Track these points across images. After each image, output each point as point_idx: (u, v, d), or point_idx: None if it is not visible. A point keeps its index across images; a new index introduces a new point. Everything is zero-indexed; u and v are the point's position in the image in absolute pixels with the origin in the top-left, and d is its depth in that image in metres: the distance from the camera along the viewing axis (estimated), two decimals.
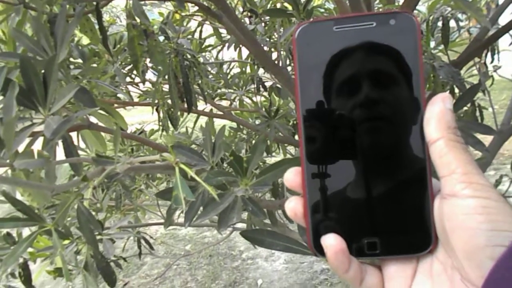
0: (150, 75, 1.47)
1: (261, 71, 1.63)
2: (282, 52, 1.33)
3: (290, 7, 0.99)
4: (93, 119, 0.91)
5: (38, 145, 0.67)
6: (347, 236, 0.29)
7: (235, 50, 1.63)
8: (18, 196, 0.80)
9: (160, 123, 1.40)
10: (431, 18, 1.20)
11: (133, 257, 2.04)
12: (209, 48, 1.67)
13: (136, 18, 0.87)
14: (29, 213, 0.64)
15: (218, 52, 1.69)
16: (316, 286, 2.33)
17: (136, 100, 1.60)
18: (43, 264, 1.04)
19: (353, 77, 0.29)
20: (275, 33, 1.46)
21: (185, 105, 1.19)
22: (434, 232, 0.28)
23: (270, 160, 1.66)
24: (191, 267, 2.69)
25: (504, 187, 1.47)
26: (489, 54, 1.48)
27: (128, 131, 1.30)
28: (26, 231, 0.77)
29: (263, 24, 1.45)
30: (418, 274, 0.29)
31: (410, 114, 0.29)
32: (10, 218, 0.66)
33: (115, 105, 1.37)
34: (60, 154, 0.76)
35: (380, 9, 1.32)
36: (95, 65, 1.10)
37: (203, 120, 1.55)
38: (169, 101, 1.25)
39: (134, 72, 1.36)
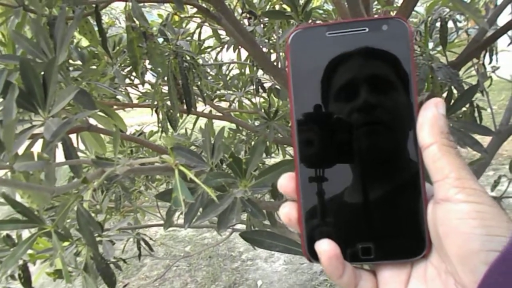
0: (149, 76, 1.47)
1: (260, 72, 1.63)
2: (281, 54, 1.33)
3: (288, 9, 1.00)
4: (92, 121, 0.91)
5: (37, 147, 0.68)
6: (341, 241, 0.29)
7: (234, 51, 1.64)
8: (18, 198, 0.81)
9: (160, 125, 1.41)
10: (429, 19, 1.21)
11: (133, 259, 2.04)
12: (208, 50, 1.67)
13: (135, 20, 0.87)
14: (28, 215, 0.64)
15: (217, 53, 1.70)
16: (315, 287, 2.34)
17: (135, 101, 1.61)
18: (42, 266, 1.04)
19: (346, 82, 0.29)
20: (274, 35, 1.46)
21: (185, 107, 1.19)
22: (428, 237, 0.29)
23: (270, 161, 1.66)
24: (190, 268, 2.69)
25: (503, 187, 1.47)
26: (487, 55, 1.49)
27: (128, 133, 1.30)
28: (25, 233, 0.77)
29: (262, 25, 1.45)
30: (412, 279, 0.29)
31: (403, 119, 0.29)
32: (9, 220, 0.66)
33: (115, 106, 1.37)
34: (59, 156, 0.76)
35: (379, 11, 1.32)
36: (94, 67, 1.11)
37: (202, 121, 1.55)
38: (169, 103, 1.25)
39: (134, 73, 1.36)
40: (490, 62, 1.52)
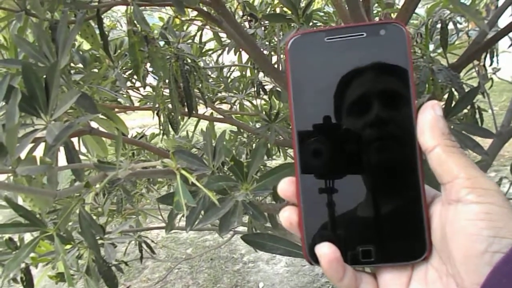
0: (150, 79, 1.47)
1: (261, 74, 1.64)
2: (281, 56, 1.34)
3: (289, 12, 1.00)
4: (94, 124, 0.91)
5: (39, 151, 0.68)
6: (341, 244, 0.29)
7: (235, 54, 1.64)
8: (20, 201, 0.81)
9: (161, 127, 1.41)
10: (430, 21, 1.21)
11: (135, 261, 2.04)
12: (209, 52, 1.67)
13: (137, 24, 0.87)
14: (31, 218, 0.64)
15: (218, 56, 1.70)
16: None
17: (137, 104, 1.61)
18: (45, 269, 1.04)
19: (345, 88, 0.30)
20: (274, 37, 1.47)
21: (186, 109, 1.20)
22: (429, 239, 0.29)
23: (271, 163, 1.66)
24: (192, 271, 2.69)
25: (505, 189, 1.47)
26: (488, 57, 1.49)
27: (129, 135, 1.30)
28: (28, 236, 0.78)
29: (262, 28, 1.45)
30: (413, 282, 0.29)
31: (402, 123, 0.29)
32: (12, 223, 0.66)
33: (116, 109, 1.37)
34: (61, 159, 0.76)
35: (380, 13, 1.32)
36: (96, 70, 1.11)
37: (203, 123, 1.56)
38: (170, 105, 1.26)
39: (135, 76, 1.36)
40: (491, 64, 1.52)
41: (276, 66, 1.36)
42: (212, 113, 1.60)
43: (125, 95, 1.42)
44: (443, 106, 0.84)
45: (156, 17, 1.73)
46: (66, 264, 0.69)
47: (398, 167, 0.29)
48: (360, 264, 0.30)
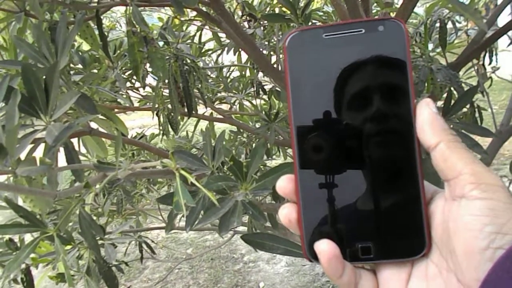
0: (150, 79, 1.48)
1: (260, 74, 1.64)
2: (281, 56, 1.34)
3: (288, 12, 1.00)
4: (93, 125, 0.91)
5: (39, 152, 0.68)
6: (340, 241, 0.29)
7: (235, 54, 1.64)
8: (20, 202, 0.81)
9: (161, 127, 1.41)
10: (428, 20, 1.21)
11: (135, 261, 2.04)
12: (209, 52, 1.67)
13: (136, 25, 0.88)
14: (31, 219, 0.64)
15: (218, 56, 1.70)
16: None
17: (136, 104, 1.61)
18: (45, 270, 1.04)
19: (344, 84, 0.30)
20: (274, 37, 1.47)
21: (185, 109, 1.20)
22: (428, 235, 0.29)
23: (271, 163, 1.67)
24: (193, 271, 2.69)
25: None
26: (487, 56, 1.49)
27: (129, 136, 1.31)
28: (28, 237, 0.78)
29: (262, 28, 1.46)
30: (413, 278, 0.29)
31: (401, 120, 0.29)
32: (12, 224, 0.66)
33: (116, 110, 1.38)
34: (61, 159, 0.76)
35: (378, 12, 1.32)
36: (95, 70, 1.11)
37: (203, 123, 1.56)
38: (169, 106, 1.26)
39: (134, 77, 1.36)
40: (490, 63, 1.52)
41: (275, 66, 1.36)
42: (211, 113, 1.61)
43: (124, 96, 1.42)
44: (442, 105, 0.85)
45: (155, 17, 1.73)
46: (66, 265, 0.69)
47: (397, 163, 0.29)
48: (359, 261, 0.30)
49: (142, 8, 0.93)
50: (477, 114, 1.29)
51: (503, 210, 0.25)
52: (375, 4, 1.29)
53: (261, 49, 1.25)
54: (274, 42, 1.47)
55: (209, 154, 0.79)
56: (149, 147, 1.23)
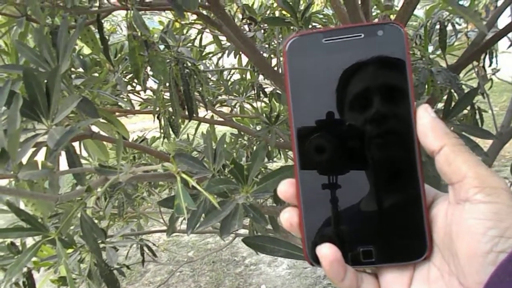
0: (151, 83, 1.48)
1: (261, 77, 1.64)
2: (281, 59, 1.34)
3: (288, 15, 1.00)
4: (95, 128, 0.92)
5: (41, 156, 0.68)
6: (342, 245, 0.29)
7: (235, 57, 1.65)
8: (22, 206, 0.81)
9: (162, 131, 1.41)
10: (428, 23, 1.21)
11: (136, 265, 2.04)
12: (209, 56, 1.68)
13: (137, 28, 0.88)
14: (32, 222, 0.64)
15: (218, 59, 1.71)
16: None
17: (137, 108, 1.62)
18: (47, 273, 1.04)
19: (343, 89, 0.30)
20: (274, 40, 1.47)
21: (186, 112, 1.20)
22: (430, 239, 0.29)
23: (272, 166, 1.67)
24: (194, 274, 2.69)
25: None
26: (487, 58, 1.49)
27: (130, 139, 1.31)
28: (30, 241, 0.78)
29: (262, 31, 1.46)
30: (415, 281, 0.29)
31: (401, 123, 0.29)
32: (14, 228, 0.66)
33: (117, 113, 1.38)
34: (63, 163, 0.76)
35: (378, 15, 1.33)
36: (96, 74, 1.11)
37: (204, 126, 1.56)
38: (170, 109, 1.26)
39: (135, 80, 1.37)
40: (490, 65, 1.52)
41: (275, 68, 1.36)
42: (212, 116, 1.61)
43: (125, 99, 1.43)
44: (443, 107, 0.85)
45: (156, 21, 1.74)
46: (68, 268, 0.69)
47: (397, 167, 0.30)
48: (361, 264, 0.30)
49: (143, 12, 0.94)
50: (477, 116, 1.29)
51: (506, 214, 0.25)
52: (375, 7, 1.30)
53: (261, 52, 1.25)
54: (274, 45, 1.48)
55: (210, 157, 0.79)
56: (150, 150, 1.23)
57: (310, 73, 0.30)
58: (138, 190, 1.62)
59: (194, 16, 1.47)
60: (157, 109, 1.33)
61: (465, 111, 1.23)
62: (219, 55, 1.67)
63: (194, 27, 1.57)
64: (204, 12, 1.10)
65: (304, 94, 0.30)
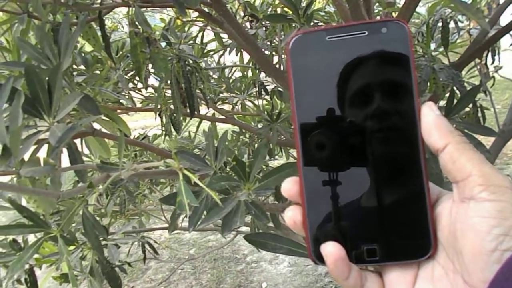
0: (152, 80, 1.48)
1: (262, 74, 1.64)
2: (283, 56, 1.34)
3: (290, 12, 1.00)
4: (96, 125, 0.92)
5: (43, 153, 0.68)
6: (346, 243, 0.29)
7: (237, 54, 1.64)
8: (24, 202, 0.81)
9: (163, 128, 1.41)
10: (431, 20, 1.21)
11: (138, 262, 2.05)
12: (211, 53, 1.68)
13: (139, 25, 0.88)
14: (34, 219, 0.64)
15: (220, 56, 1.70)
16: None
17: (139, 105, 1.62)
18: (48, 270, 1.05)
19: (347, 86, 0.30)
20: (276, 38, 1.47)
21: (188, 110, 1.20)
22: (434, 237, 0.29)
23: (273, 163, 1.67)
24: (195, 271, 2.70)
25: None
26: (490, 55, 1.48)
27: (132, 136, 1.31)
28: (31, 237, 0.78)
29: (264, 28, 1.46)
30: (419, 280, 0.29)
31: (405, 120, 0.29)
32: (16, 225, 0.67)
33: (118, 111, 1.38)
34: (64, 160, 0.76)
35: (380, 12, 1.32)
36: (98, 71, 1.11)
37: (205, 124, 1.56)
38: (172, 106, 1.26)
39: (137, 78, 1.37)
40: (493, 62, 1.52)
41: (277, 66, 1.36)
42: (214, 113, 1.61)
43: (127, 96, 1.43)
44: (445, 105, 0.85)
45: (157, 18, 1.73)
46: (70, 265, 0.69)
47: (402, 165, 0.29)
48: (365, 263, 0.30)
49: (145, 9, 0.94)
50: (479, 114, 1.28)
51: (511, 212, 0.25)
52: (377, 4, 1.29)
53: (263, 50, 1.25)
54: (276, 43, 1.47)
55: (211, 155, 0.79)
56: (152, 148, 1.23)
57: (313, 71, 0.30)
58: (140, 187, 1.62)
59: (196, 14, 1.47)
60: (159, 106, 1.33)
61: (467, 109, 1.23)
62: (221, 52, 1.67)
63: (196, 25, 1.57)
64: (206, 10, 1.10)
65: (307, 91, 0.30)
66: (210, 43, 1.65)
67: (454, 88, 0.92)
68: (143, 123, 4.70)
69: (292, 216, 0.31)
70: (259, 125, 1.63)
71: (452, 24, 1.28)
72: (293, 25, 1.11)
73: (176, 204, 0.50)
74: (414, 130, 0.29)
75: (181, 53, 1.16)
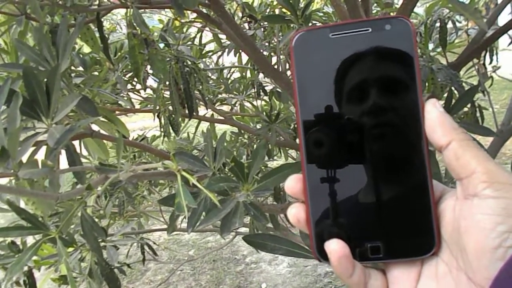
0: (151, 81, 1.48)
1: (261, 75, 1.64)
2: (281, 57, 1.34)
3: (288, 13, 1.00)
4: (95, 127, 0.92)
5: (41, 154, 0.68)
6: (350, 241, 0.29)
7: (235, 55, 1.64)
8: (22, 204, 0.81)
9: (162, 129, 1.41)
10: (428, 20, 1.21)
11: (137, 263, 2.04)
12: (209, 54, 1.68)
13: (137, 27, 0.88)
14: (33, 221, 0.64)
15: (218, 57, 1.70)
16: None
17: (137, 106, 1.61)
18: (47, 272, 1.04)
19: (352, 83, 0.30)
20: (274, 38, 1.47)
21: (186, 111, 1.20)
22: (438, 234, 0.29)
23: (272, 164, 1.67)
24: (194, 272, 2.69)
25: None
26: (488, 55, 1.49)
27: (130, 138, 1.31)
28: (30, 239, 0.78)
29: (262, 29, 1.46)
30: (423, 277, 0.29)
31: (410, 118, 0.29)
32: (14, 227, 0.66)
33: (117, 112, 1.38)
34: (63, 162, 0.76)
35: (378, 13, 1.32)
36: (96, 73, 1.11)
37: (204, 125, 1.56)
38: (170, 107, 1.26)
39: (135, 79, 1.37)
40: (491, 62, 1.52)
41: (275, 67, 1.36)
42: (212, 114, 1.61)
43: (125, 98, 1.43)
44: (443, 105, 0.85)
45: (155, 19, 1.73)
46: (68, 267, 0.69)
47: (406, 162, 0.29)
48: (369, 260, 0.30)
49: (143, 10, 0.94)
50: (478, 114, 1.28)
51: None
52: (375, 4, 1.29)
53: (261, 50, 1.25)
54: (275, 43, 1.47)
55: (210, 156, 0.79)
56: (150, 149, 1.23)
57: (317, 68, 0.30)
58: (139, 188, 1.62)
59: (194, 15, 1.47)
60: (157, 107, 1.33)
61: (466, 109, 1.23)
62: (219, 53, 1.67)
63: (194, 26, 1.57)
64: (204, 10, 1.10)
65: (311, 88, 0.30)
66: (208, 44, 1.65)
67: (452, 88, 0.92)
68: (141, 124, 4.70)
69: (295, 213, 0.31)
70: (258, 126, 1.63)
71: (450, 24, 1.28)
72: (291, 26, 1.11)
73: (174, 206, 0.50)
74: (418, 127, 0.29)
75: (180, 54, 1.16)
